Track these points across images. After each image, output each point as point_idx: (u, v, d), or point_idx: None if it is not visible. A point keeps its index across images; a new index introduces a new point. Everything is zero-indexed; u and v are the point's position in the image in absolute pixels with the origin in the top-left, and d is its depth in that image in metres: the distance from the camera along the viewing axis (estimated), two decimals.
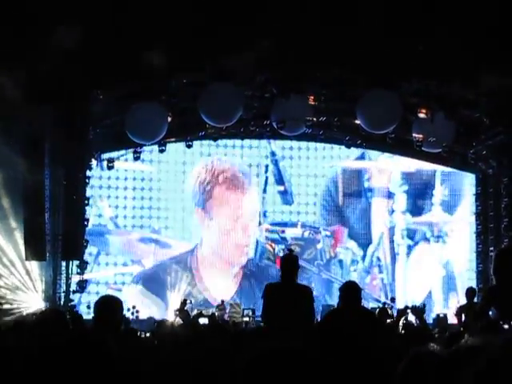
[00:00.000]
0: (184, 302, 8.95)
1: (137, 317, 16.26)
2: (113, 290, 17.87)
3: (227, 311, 16.57)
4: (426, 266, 19.15)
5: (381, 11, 13.25)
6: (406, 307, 10.71)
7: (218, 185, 18.79)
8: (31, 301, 14.80)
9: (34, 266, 15.24)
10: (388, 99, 15.34)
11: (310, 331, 7.32)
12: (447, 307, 18.24)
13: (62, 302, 15.53)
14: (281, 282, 9.14)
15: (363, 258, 19.30)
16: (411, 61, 14.20)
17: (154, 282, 18.38)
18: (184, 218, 18.86)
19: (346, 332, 5.99)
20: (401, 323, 9.41)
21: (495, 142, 16.43)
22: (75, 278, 15.96)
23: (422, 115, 16.47)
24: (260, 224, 19.10)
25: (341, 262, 19.27)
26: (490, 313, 8.17)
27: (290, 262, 9.38)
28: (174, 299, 17.29)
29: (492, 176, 18.02)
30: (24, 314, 13.91)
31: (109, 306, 6.32)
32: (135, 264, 18.69)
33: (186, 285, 18.44)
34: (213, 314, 13.70)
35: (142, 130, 15.87)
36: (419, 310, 8.77)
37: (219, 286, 18.40)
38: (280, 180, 19.33)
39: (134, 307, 16.34)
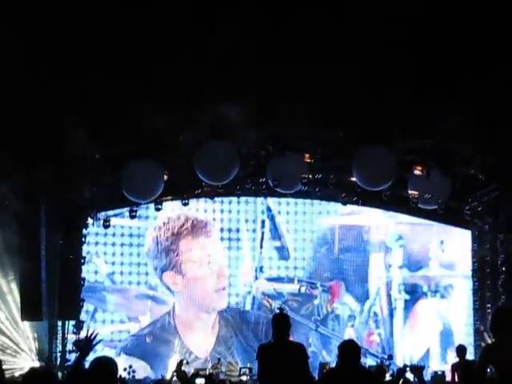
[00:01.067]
0: (181, 363, 8.66)
1: (133, 376, 16.19)
2: (109, 348, 17.81)
3: (223, 370, 16.52)
4: (424, 321, 19.12)
5: (374, 70, 13.31)
6: (405, 366, 10.70)
7: (182, 239, 18.77)
8: (25, 362, 14.75)
9: (28, 326, 15.22)
10: (383, 157, 15.35)
11: None
12: (445, 362, 18.17)
13: (57, 363, 15.50)
14: (273, 341, 9.18)
15: (360, 313, 19.26)
16: (407, 120, 14.28)
17: (145, 346, 18.33)
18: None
19: None
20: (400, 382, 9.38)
21: (491, 199, 16.47)
22: (71, 337, 15.98)
23: (417, 172, 16.53)
24: (256, 279, 19.09)
25: (338, 317, 19.21)
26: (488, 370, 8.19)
27: (281, 321, 9.41)
28: (171, 359, 17.15)
29: (488, 232, 18.05)
30: (16, 375, 13.79)
31: (104, 367, 6.29)
32: (132, 321, 18.60)
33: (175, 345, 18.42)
34: (210, 374, 13.68)
35: (139, 189, 15.88)
36: (418, 369, 8.75)
37: (199, 342, 18.39)
38: (276, 235, 19.33)
39: (130, 366, 16.28)
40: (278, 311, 11.23)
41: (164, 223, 18.69)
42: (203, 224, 18.92)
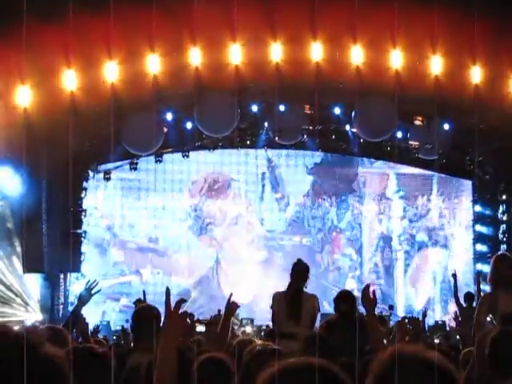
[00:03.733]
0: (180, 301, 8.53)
1: None
2: (111, 300, 18.03)
3: None
4: (425, 272, 19.33)
5: None
6: (404, 318, 10.89)
7: (215, 202, 19.06)
8: (29, 314, 14.91)
9: (30, 279, 15.40)
10: (384, 106, 15.44)
11: (310, 338, 7.43)
12: (446, 313, 18.38)
13: (60, 315, 15.66)
14: (288, 290, 9.34)
15: (361, 264, 19.49)
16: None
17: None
18: (179, 227, 19.06)
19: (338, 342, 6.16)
20: None
21: (491, 149, 16.57)
22: (73, 290, 16.18)
23: (417, 122, 16.66)
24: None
25: (339, 268, 19.44)
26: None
27: (299, 272, 9.58)
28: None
29: (489, 182, 18.20)
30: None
31: (146, 313, 6.25)
32: (133, 274, 18.82)
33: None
34: (209, 322, 13.79)
35: (139, 142, 16.01)
36: (416, 320, 8.90)
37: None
38: (276, 187, 19.48)
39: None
40: (297, 261, 11.23)
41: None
42: (226, 186, 19.26)
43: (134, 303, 8.99)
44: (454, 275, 10.26)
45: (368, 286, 5.84)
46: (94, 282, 6.37)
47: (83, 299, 6.36)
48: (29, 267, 15.09)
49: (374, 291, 5.75)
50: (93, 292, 6.42)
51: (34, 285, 15.40)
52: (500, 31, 13.16)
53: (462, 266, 18.82)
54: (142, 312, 5.95)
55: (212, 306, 16.69)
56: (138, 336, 5.80)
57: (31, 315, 14.83)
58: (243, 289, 18.07)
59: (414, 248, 19.57)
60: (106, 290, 18.11)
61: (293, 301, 9.29)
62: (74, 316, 6.21)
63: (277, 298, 9.15)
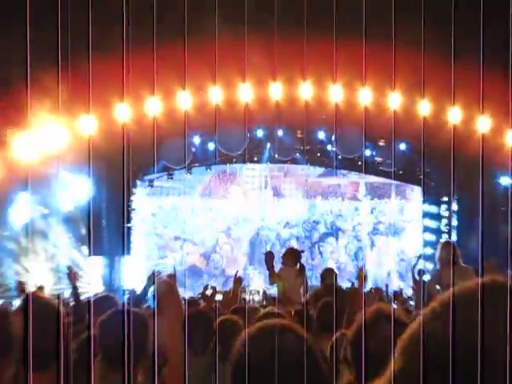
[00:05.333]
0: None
1: None
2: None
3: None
4: (385, 253, 19.38)
5: None
6: (371, 288, 11.00)
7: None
8: (93, 289, 14.93)
9: (94, 261, 15.51)
10: (355, 132, 15.48)
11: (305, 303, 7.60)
12: (404, 280, 18.40)
13: (115, 288, 15.67)
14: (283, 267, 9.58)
15: (338, 248, 19.53)
16: None
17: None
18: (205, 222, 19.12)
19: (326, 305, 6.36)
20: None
21: (435, 163, 16.65)
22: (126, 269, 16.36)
23: (381, 144, 16.78)
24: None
25: (321, 252, 19.46)
26: None
27: (291, 254, 9.79)
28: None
29: (433, 188, 18.32)
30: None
31: (163, 286, 6.35)
32: (167, 258, 18.86)
33: None
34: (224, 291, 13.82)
35: (174, 159, 16.16)
36: (379, 289, 9.07)
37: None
38: (274, 191, 19.50)
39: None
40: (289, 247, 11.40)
41: None
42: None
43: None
44: (419, 257, 10.35)
45: (362, 268, 6.05)
46: (158, 272, 6.38)
47: (150, 282, 6.40)
48: (93, 252, 15.25)
49: (362, 268, 5.97)
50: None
51: (96, 265, 15.52)
52: (446, 69, 13.10)
53: (414, 250, 18.92)
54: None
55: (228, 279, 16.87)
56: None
57: (94, 288, 14.91)
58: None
59: (378, 236, 19.59)
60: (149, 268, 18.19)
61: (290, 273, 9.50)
62: (145, 291, 6.28)
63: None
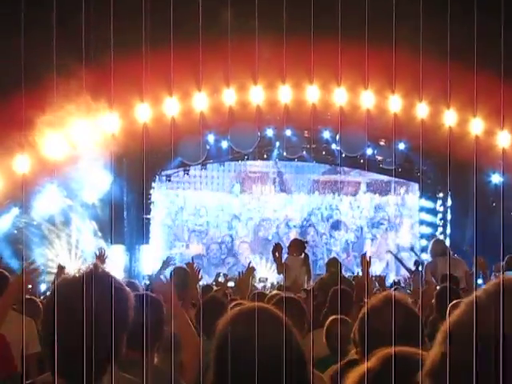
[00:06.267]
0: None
1: None
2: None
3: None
4: (385, 246, 19.37)
5: None
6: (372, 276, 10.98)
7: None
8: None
9: (116, 249, 15.52)
10: (358, 132, 15.53)
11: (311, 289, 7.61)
12: (399, 274, 18.36)
13: (135, 274, 15.69)
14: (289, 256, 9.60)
15: (340, 242, 19.53)
16: None
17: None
18: (218, 214, 19.13)
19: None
20: None
21: (431, 162, 16.66)
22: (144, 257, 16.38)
23: (382, 143, 16.76)
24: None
25: (326, 243, 19.46)
26: None
27: (296, 245, 9.80)
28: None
29: (429, 184, 18.29)
30: None
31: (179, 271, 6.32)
32: (183, 247, 18.90)
33: None
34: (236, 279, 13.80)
35: (190, 155, 16.19)
36: (381, 277, 9.05)
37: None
38: (282, 186, 19.49)
39: None
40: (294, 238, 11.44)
41: None
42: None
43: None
44: (412, 248, 10.40)
45: (365, 255, 6.05)
46: (171, 259, 6.42)
47: (164, 266, 6.43)
48: (115, 241, 15.27)
49: (364, 255, 5.96)
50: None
51: (118, 253, 15.52)
52: (443, 73, 12.97)
53: (410, 243, 18.90)
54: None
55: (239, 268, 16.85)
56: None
57: (115, 274, 14.91)
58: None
59: (378, 229, 19.57)
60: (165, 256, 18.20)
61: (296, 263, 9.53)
62: (159, 274, 6.31)
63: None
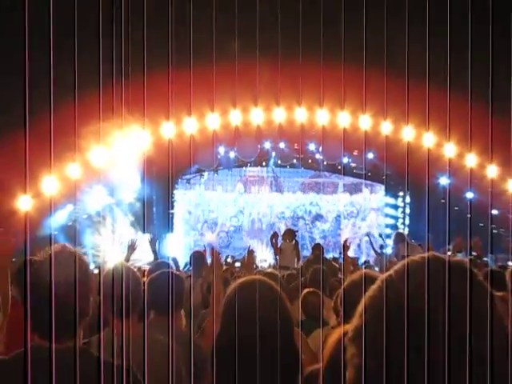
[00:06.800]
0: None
1: None
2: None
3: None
4: (357, 233, 19.26)
5: None
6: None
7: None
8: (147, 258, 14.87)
9: (146, 237, 15.42)
10: (336, 144, 15.49)
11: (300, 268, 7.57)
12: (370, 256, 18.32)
13: (161, 257, 15.61)
14: (283, 242, 9.54)
15: (323, 229, 19.49)
16: None
17: None
18: (226, 209, 19.03)
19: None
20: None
21: (394, 168, 16.58)
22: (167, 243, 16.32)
23: (355, 153, 16.74)
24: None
25: (311, 232, 19.40)
26: None
27: (289, 233, 9.76)
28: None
29: (392, 185, 18.27)
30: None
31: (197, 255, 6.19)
32: (200, 236, 18.81)
33: None
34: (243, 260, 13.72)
35: (205, 163, 16.18)
36: (354, 259, 9.03)
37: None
38: (277, 187, 19.48)
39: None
40: (288, 228, 11.38)
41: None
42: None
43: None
44: (398, 235, 10.34)
45: (346, 240, 6.06)
46: (134, 241, 6.12)
47: (129, 249, 6.11)
48: (147, 230, 15.25)
49: (346, 241, 5.97)
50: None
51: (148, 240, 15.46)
52: (402, 95, 12.79)
53: (377, 231, 18.86)
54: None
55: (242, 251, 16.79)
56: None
57: (147, 256, 14.86)
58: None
59: (351, 220, 19.50)
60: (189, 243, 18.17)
61: (289, 248, 9.48)
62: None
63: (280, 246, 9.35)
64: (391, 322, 0.79)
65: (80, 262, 1.93)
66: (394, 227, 18.01)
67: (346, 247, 5.84)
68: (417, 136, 15.14)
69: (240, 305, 2.03)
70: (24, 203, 12.97)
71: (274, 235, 9.47)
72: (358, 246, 19.00)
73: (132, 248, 6.21)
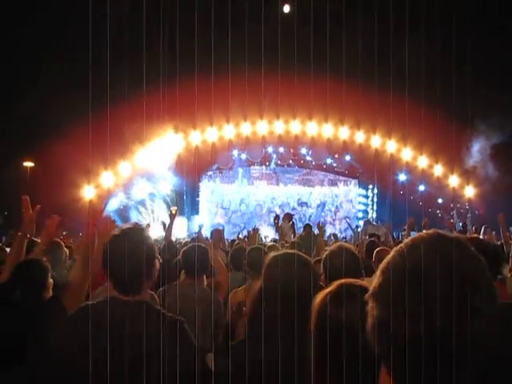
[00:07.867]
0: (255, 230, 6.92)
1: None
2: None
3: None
4: (335, 218, 19.05)
5: None
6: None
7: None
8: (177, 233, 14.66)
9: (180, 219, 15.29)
10: (323, 149, 15.34)
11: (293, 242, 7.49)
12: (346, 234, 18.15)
13: (192, 234, 15.51)
14: (282, 223, 9.45)
15: (312, 213, 19.26)
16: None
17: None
18: (238, 197, 18.80)
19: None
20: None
21: (366, 166, 16.47)
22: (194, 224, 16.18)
23: (336, 156, 16.58)
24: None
25: (304, 215, 19.13)
26: None
27: (287, 217, 9.67)
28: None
29: (364, 180, 18.01)
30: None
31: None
32: (216, 216, 18.51)
33: None
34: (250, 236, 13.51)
35: (224, 163, 16.09)
36: (335, 234, 8.88)
37: None
38: (277, 181, 19.17)
39: None
40: (287, 213, 11.16)
41: None
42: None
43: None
44: (366, 221, 10.17)
45: (319, 223, 5.94)
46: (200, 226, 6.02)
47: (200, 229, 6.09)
48: (179, 214, 15.14)
49: (319, 223, 5.88)
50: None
51: (181, 221, 15.42)
52: (372, 109, 12.42)
53: (352, 215, 18.66)
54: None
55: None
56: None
57: (179, 233, 14.80)
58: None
59: (332, 206, 19.19)
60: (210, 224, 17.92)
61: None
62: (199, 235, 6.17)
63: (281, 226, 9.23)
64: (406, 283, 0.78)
65: (147, 235, 1.91)
66: (365, 212, 17.90)
67: (320, 227, 5.83)
68: (382, 143, 15.11)
69: (282, 269, 1.83)
70: (88, 192, 13.03)
71: (276, 217, 9.41)
72: (337, 226, 18.84)
73: (169, 227, 6.15)
